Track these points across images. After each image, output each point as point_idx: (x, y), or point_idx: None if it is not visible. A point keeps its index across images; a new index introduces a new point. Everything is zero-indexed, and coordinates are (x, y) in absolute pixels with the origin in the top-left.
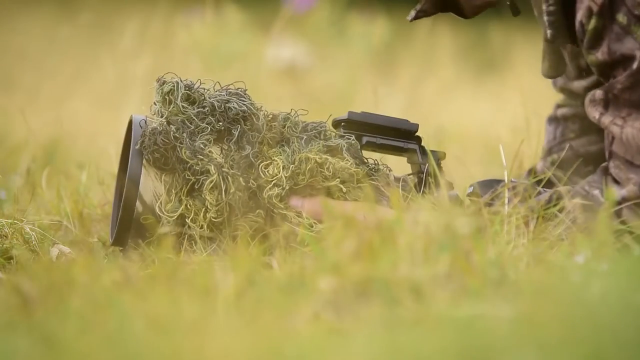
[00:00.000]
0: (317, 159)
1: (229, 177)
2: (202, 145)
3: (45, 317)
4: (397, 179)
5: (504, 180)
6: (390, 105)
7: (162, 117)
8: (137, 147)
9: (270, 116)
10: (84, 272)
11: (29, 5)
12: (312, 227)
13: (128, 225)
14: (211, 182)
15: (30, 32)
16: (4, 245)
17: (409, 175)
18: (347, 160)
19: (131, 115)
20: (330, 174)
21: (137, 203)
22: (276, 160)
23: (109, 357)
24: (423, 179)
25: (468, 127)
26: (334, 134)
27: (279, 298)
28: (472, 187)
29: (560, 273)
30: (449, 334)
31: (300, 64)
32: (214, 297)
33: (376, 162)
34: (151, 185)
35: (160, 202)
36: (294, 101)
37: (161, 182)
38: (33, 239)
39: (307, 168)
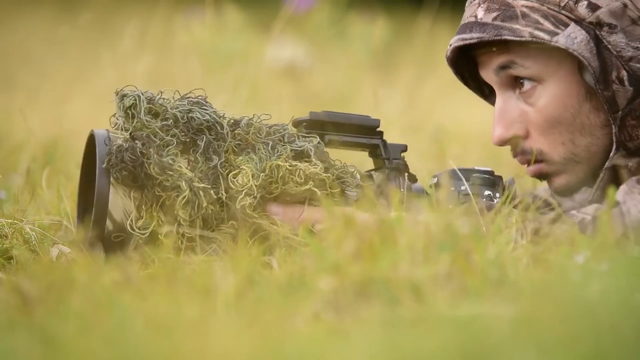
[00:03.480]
0: (288, 167)
1: (200, 191)
2: (170, 161)
3: (45, 317)
4: (363, 176)
5: (471, 170)
6: (390, 105)
7: (126, 132)
8: (103, 165)
9: (232, 122)
10: (84, 272)
11: (29, 6)
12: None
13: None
14: (183, 198)
15: (31, 33)
16: (4, 245)
17: (372, 170)
18: (315, 164)
19: (92, 130)
20: (302, 180)
21: (107, 221)
22: (245, 169)
23: (109, 357)
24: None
25: (468, 127)
26: (297, 135)
27: (279, 298)
28: (435, 178)
29: (560, 273)
30: (449, 334)
31: (300, 64)
32: (214, 297)
33: (344, 164)
34: (120, 202)
35: (131, 219)
36: (294, 101)
37: (130, 198)
38: (33, 239)
39: (279, 176)
